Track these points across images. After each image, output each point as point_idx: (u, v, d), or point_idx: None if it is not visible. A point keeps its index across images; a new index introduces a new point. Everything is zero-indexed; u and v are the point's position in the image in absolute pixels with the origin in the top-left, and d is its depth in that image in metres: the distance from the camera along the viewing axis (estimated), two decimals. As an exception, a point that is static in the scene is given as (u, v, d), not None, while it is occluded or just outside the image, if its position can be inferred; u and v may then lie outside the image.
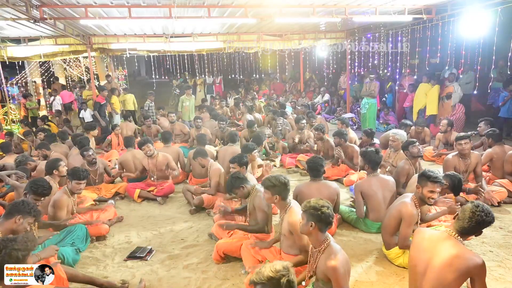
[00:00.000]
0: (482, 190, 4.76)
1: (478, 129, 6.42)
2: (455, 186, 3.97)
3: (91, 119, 10.72)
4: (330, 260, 2.54)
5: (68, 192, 4.44)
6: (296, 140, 7.64)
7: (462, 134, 5.26)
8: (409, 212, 3.41)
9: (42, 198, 3.93)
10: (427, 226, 3.86)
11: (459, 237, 2.52)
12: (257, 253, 3.53)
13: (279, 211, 3.47)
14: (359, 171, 6.12)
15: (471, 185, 5.16)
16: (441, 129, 7.00)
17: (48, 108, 13.24)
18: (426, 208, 3.87)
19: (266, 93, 16.30)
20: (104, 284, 3.38)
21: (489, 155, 5.42)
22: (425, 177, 3.44)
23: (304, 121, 7.88)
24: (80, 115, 11.33)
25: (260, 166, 6.20)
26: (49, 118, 11.69)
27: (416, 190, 3.51)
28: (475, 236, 2.56)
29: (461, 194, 4.71)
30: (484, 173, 5.36)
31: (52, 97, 13.01)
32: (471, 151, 5.18)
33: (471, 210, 2.49)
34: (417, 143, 5.06)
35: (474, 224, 2.47)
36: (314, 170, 4.26)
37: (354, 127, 10.77)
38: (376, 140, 7.40)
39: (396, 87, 11.49)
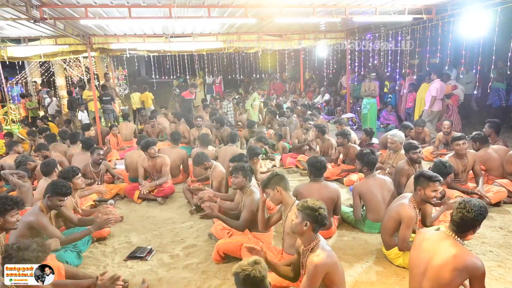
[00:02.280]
0: (484, 195, 4.75)
1: (484, 130, 6.40)
2: (443, 172, 4.01)
3: (88, 121, 10.76)
4: (313, 257, 2.57)
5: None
6: (303, 137, 7.65)
7: (458, 134, 5.22)
8: (407, 214, 3.41)
9: (66, 198, 3.87)
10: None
11: (456, 236, 2.52)
12: (257, 253, 3.53)
13: (283, 209, 3.44)
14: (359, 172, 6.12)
15: (470, 185, 5.17)
16: (446, 131, 6.95)
17: (44, 109, 13.24)
18: (430, 209, 3.87)
19: (265, 93, 16.29)
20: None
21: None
22: (426, 178, 3.43)
23: (311, 122, 7.85)
24: (79, 117, 11.36)
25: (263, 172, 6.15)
26: (49, 119, 11.71)
27: (418, 192, 3.48)
28: (472, 234, 2.54)
29: (462, 194, 4.72)
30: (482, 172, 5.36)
31: (49, 99, 13.04)
32: (468, 150, 5.16)
33: (456, 207, 2.52)
34: (419, 150, 4.91)
35: (460, 221, 2.48)
36: (318, 169, 4.24)
37: (354, 127, 10.77)
38: (375, 140, 7.39)
39: (396, 87, 11.50)
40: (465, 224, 2.47)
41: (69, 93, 13.56)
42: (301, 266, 2.85)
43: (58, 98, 13.35)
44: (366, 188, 4.32)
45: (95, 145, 6.48)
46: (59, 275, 3.07)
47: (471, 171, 5.18)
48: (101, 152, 5.89)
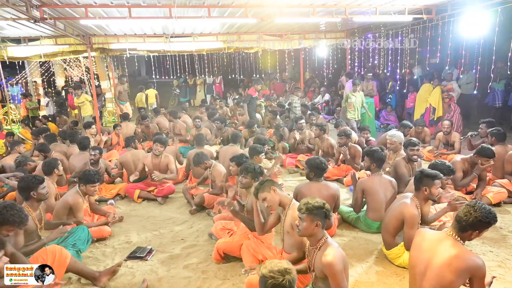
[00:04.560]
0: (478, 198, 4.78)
1: (479, 130, 6.40)
2: (442, 172, 3.99)
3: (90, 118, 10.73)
4: (325, 257, 2.54)
5: (81, 193, 4.44)
6: (297, 138, 7.66)
7: (491, 150, 4.76)
8: (411, 213, 3.41)
9: (43, 185, 3.86)
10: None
11: (457, 236, 2.53)
12: (257, 253, 3.53)
13: (281, 210, 3.41)
14: (360, 170, 6.11)
15: (473, 185, 5.15)
16: (446, 131, 6.93)
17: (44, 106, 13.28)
18: (428, 209, 3.87)
19: (266, 93, 16.25)
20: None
21: None
22: (430, 178, 3.47)
23: (302, 121, 7.88)
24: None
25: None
26: (49, 119, 11.70)
27: (423, 192, 3.50)
28: (470, 237, 2.53)
29: (465, 196, 4.75)
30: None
31: (47, 99, 13.09)
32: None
33: (466, 204, 2.54)
34: (417, 148, 4.94)
35: (463, 217, 2.48)
36: (321, 170, 4.23)
37: (354, 127, 10.75)
38: (372, 138, 7.39)
39: (397, 87, 11.49)
40: (467, 221, 2.45)
41: (58, 93, 13.59)
42: (309, 267, 2.84)
43: (53, 99, 13.34)
44: (371, 185, 4.31)
45: (92, 145, 6.50)
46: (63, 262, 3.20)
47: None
48: (93, 153, 5.90)
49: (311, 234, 2.69)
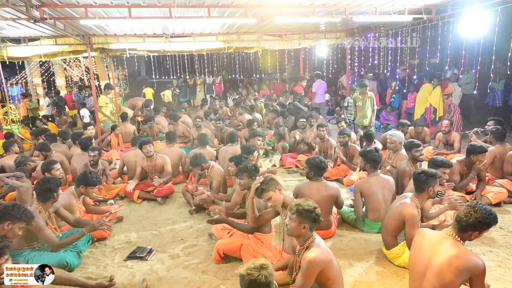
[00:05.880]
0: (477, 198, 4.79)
1: (485, 127, 6.42)
2: (444, 164, 4.13)
3: (89, 119, 10.74)
4: (308, 253, 2.58)
5: (76, 194, 4.43)
6: (297, 137, 7.66)
7: (484, 147, 4.85)
8: (410, 213, 3.41)
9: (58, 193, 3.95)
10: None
11: (456, 236, 2.53)
12: (257, 253, 3.53)
13: (281, 210, 3.41)
14: (359, 171, 6.12)
15: (473, 186, 5.15)
16: (445, 130, 6.94)
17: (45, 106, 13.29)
18: (429, 205, 3.88)
19: (267, 93, 16.26)
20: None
21: (491, 154, 5.24)
22: (434, 177, 3.49)
23: (303, 119, 7.89)
24: (81, 114, 11.37)
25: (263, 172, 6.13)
26: (49, 119, 11.70)
27: (429, 192, 3.50)
28: (470, 237, 2.54)
29: (465, 196, 4.74)
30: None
31: (48, 99, 13.08)
32: None
33: (466, 205, 2.55)
34: (421, 148, 4.95)
35: (463, 217, 2.49)
36: (321, 169, 4.22)
37: (354, 127, 10.76)
38: (378, 144, 7.35)
39: (397, 87, 11.49)
40: (467, 222, 2.46)
41: (57, 92, 13.63)
42: (295, 266, 2.84)
43: (53, 98, 13.34)
44: (368, 187, 4.32)
45: (92, 145, 6.48)
46: None
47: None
48: (92, 154, 5.88)
49: (299, 235, 2.71)
